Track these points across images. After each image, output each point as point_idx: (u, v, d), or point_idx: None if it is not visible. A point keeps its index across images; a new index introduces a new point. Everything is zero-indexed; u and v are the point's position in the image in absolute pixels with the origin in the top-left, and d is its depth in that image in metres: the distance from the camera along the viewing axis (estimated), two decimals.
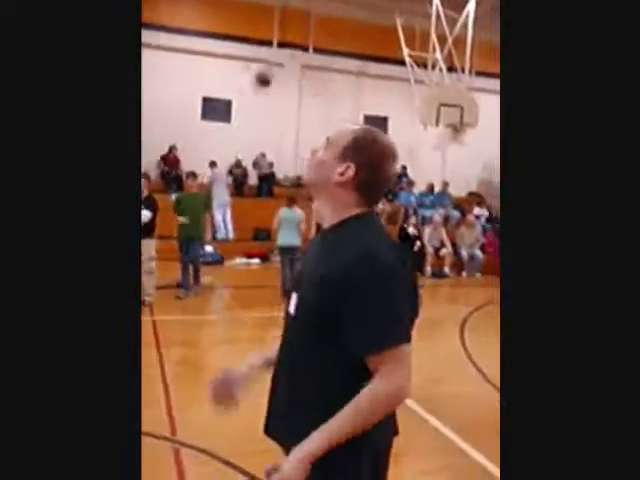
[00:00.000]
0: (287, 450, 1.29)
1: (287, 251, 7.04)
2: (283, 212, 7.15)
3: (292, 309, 1.38)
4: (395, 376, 1.23)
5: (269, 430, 1.44)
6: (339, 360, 1.28)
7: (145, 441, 3.11)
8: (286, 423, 1.38)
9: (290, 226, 7.04)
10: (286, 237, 7.05)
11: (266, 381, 1.49)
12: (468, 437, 3.37)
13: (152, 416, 3.50)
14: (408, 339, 1.26)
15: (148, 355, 4.71)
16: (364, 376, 1.25)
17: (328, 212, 1.39)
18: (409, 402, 3.98)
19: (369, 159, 1.35)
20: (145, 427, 3.23)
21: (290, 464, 1.20)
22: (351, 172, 1.34)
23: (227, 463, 2.91)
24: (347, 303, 1.23)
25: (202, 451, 3.05)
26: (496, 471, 2.97)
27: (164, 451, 3.10)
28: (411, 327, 1.31)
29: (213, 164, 11.65)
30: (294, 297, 1.39)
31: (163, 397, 3.85)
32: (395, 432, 1.42)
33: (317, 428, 1.23)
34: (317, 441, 1.21)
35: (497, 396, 4.15)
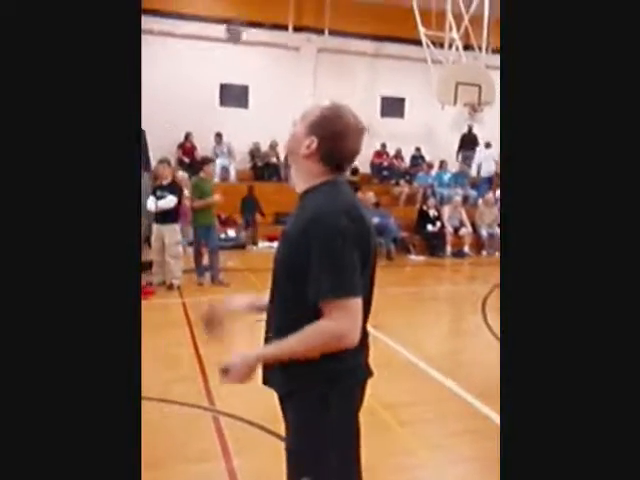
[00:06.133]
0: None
1: None
2: None
3: (274, 259, 1.62)
4: (339, 322, 1.41)
5: (265, 382, 1.67)
6: (303, 305, 1.47)
7: (189, 412, 3.35)
8: (269, 368, 1.61)
9: None
10: None
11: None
12: (489, 402, 3.52)
13: (192, 391, 3.72)
14: (353, 292, 1.42)
15: (182, 335, 4.93)
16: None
17: (299, 180, 1.59)
18: (433, 372, 4.15)
19: (332, 133, 1.52)
20: (187, 400, 3.47)
21: (238, 362, 1.51)
22: (314, 145, 1.52)
23: (262, 428, 3.11)
24: (304, 258, 1.43)
25: (239, 418, 3.26)
26: None
27: (205, 421, 3.32)
28: (362, 280, 1.48)
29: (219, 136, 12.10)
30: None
31: (199, 373, 4.06)
32: (369, 373, 1.62)
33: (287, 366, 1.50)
34: (266, 350, 1.53)
35: None
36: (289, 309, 1.53)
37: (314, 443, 1.51)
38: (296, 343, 1.45)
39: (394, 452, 2.97)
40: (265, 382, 1.67)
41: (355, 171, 12.72)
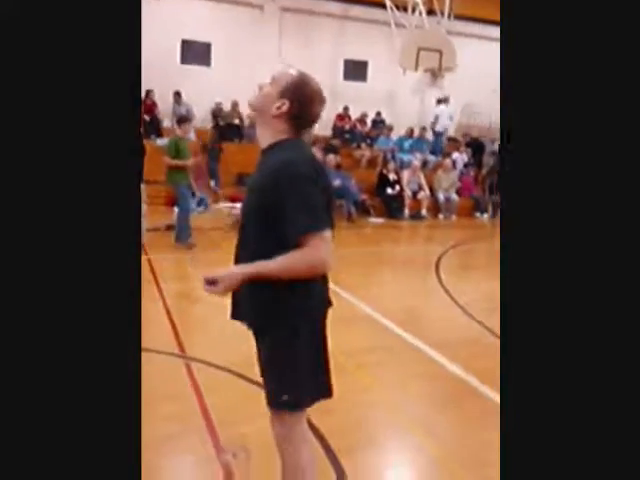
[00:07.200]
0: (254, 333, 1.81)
1: None
2: None
3: (241, 213, 1.83)
4: (317, 250, 1.63)
5: (235, 316, 1.87)
6: (277, 241, 1.66)
7: (158, 358, 3.55)
8: (243, 302, 1.81)
9: None
10: None
11: None
12: (443, 351, 3.87)
13: (162, 341, 3.91)
14: (326, 226, 1.65)
15: (149, 291, 5.08)
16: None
17: (266, 136, 1.77)
18: (389, 323, 4.47)
19: (301, 98, 1.73)
20: (158, 348, 3.65)
21: (226, 275, 1.69)
22: (285, 107, 1.72)
23: (230, 371, 3.35)
24: (276, 201, 1.62)
25: (208, 364, 3.49)
26: (463, 375, 3.49)
27: (177, 367, 3.53)
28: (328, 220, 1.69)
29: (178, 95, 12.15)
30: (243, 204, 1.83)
31: (169, 325, 4.25)
32: (329, 303, 1.84)
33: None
34: (251, 267, 1.67)
35: (468, 319, 4.68)
36: (257, 251, 1.69)
37: (287, 365, 1.75)
38: (282, 266, 1.64)
39: (350, 390, 3.26)
40: (234, 316, 1.87)
41: (335, 135, 12.93)
